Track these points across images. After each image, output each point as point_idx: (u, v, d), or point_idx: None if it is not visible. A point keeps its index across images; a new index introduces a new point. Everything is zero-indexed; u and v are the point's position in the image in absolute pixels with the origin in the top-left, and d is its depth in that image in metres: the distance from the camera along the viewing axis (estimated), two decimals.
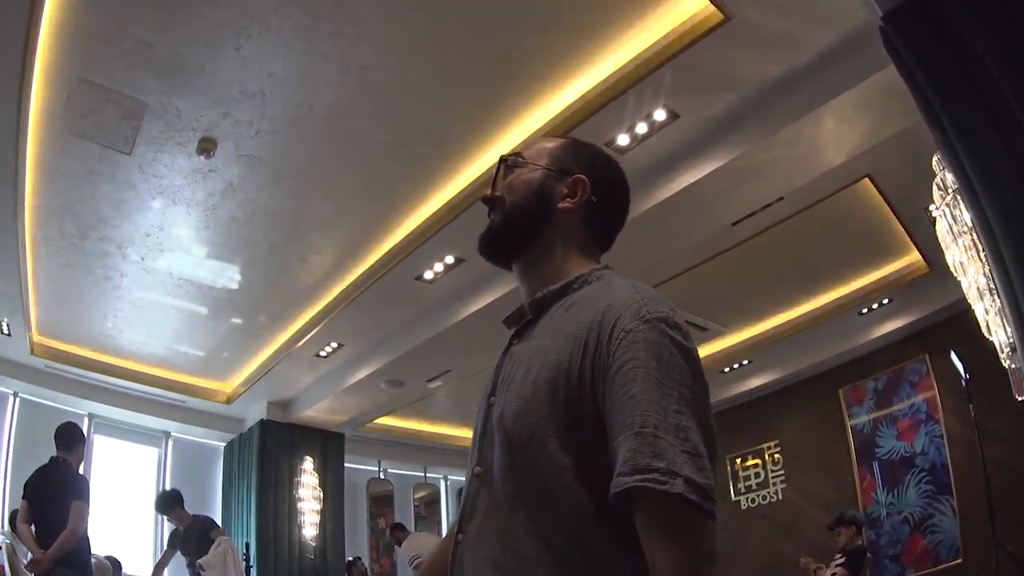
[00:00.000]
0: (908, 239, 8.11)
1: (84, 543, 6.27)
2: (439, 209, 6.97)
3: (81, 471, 6.71)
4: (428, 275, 7.88)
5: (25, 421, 11.22)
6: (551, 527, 1.46)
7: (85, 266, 8.01)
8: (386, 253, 7.67)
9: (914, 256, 8.46)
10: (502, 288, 7.63)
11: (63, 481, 6.29)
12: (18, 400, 11.16)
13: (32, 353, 9.91)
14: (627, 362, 1.42)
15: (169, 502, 8.21)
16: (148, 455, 12.39)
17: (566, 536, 1.44)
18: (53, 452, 6.52)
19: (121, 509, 11.96)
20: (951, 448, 9.26)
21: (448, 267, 7.71)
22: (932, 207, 5.32)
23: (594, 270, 1.75)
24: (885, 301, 9.32)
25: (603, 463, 1.41)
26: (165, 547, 8.02)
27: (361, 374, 9.92)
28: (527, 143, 1.95)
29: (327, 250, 7.76)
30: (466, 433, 13.46)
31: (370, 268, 7.93)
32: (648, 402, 1.37)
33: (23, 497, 6.37)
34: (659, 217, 6.56)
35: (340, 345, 9.54)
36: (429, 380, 10.19)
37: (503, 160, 1.89)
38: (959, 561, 8.93)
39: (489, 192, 1.87)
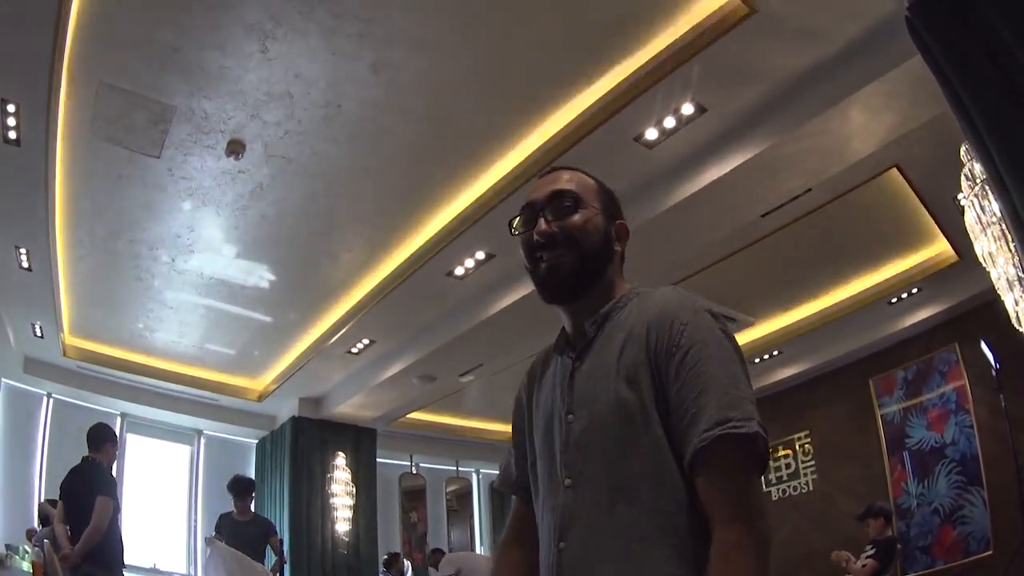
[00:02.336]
0: (937, 228, 8.03)
1: (114, 540, 6.30)
2: (469, 205, 6.97)
3: (114, 470, 6.76)
4: (459, 271, 7.88)
5: (59, 421, 11.35)
6: (657, 516, 1.61)
7: (116, 268, 8.10)
8: (417, 250, 7.67)
9: (943, 245, 8.37)
10: (532, 284, 7.54)
11: (92, 479, 6.36)
12: (51, 401, 11.29)
13: (65, 355, 10.06)
14: (694, 344, 1.66)
15: (247, 487, 8.28)
16: (181, 453, 12.50)
17: (674, 520, 1.60)
18: (86, 452, 6.59)
19: (154, 507, 12.09)
20: (981, 439, 9.14)
21: (479, 263, 7.71)
22: (960, 196, 5.28)
23: (631, 289, 1.93)
24: (915, 290, 9.20)
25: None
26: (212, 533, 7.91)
27: (393, 370, 9.93)
28: (560, 178, 1.96)
29: (357, 247, 7.79)
30: (497, 427, 13.65)
31: (401, 265, 7.94)
32: (719, 372, 1.62)
33: (59, 497, 6.47)
34: (689, 210, 6.57)
35: (372, 341, 9.55)
36: (461, 375, 10.20)
37: (561, 193, 1.91)
38: (989, 553, 8.83)
39: (546, 226, 1.89)
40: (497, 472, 2.22)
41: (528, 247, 1.92)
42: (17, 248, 7.49)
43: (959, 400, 9.54)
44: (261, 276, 8.31)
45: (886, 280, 9.10)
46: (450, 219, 7.22)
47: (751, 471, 1.60)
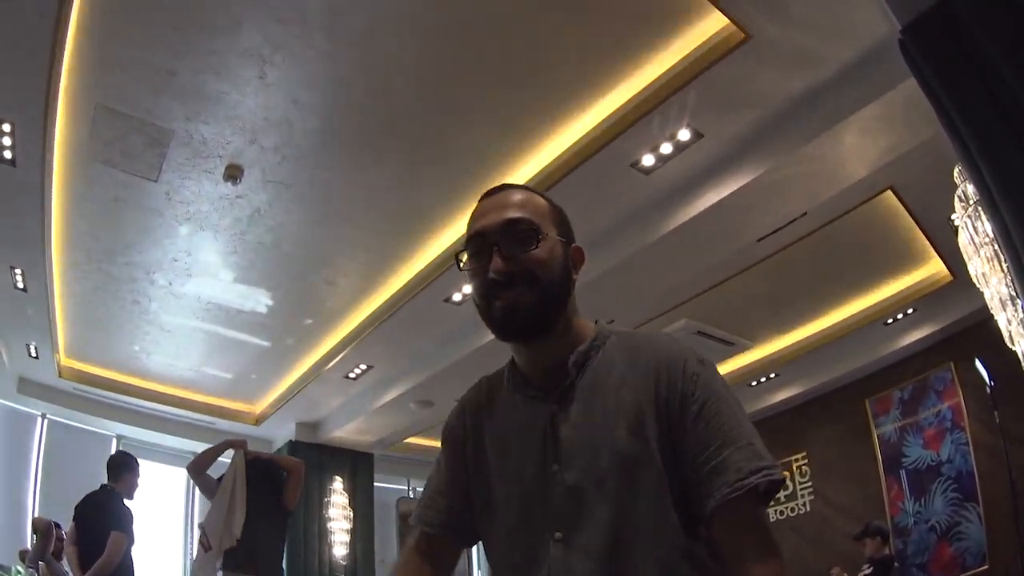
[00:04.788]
0: (931, 249, 8.06)
1: (126, 572, 6.27)
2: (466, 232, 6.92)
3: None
4: (457, 297, 7.87)
5: (53, 443, 11.35)
6: (659, 567, 1.59)
7: (113, 290, 8.10)
8: (415, 276, 7.70)
9: (937, 265, 8.40)
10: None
11: (106, 510, 6.32)
12: (46, 422, 11.28)
13: (60, 376, 10.04)
14: (710, 396, 1.65)
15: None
16: (177, 476, 12.47)
17: (676, 570, 1.60)
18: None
19: (150, 531, 12.04)
20: (976, 455, 9.14)
21: None
22: (954, 217, 5.31)
23: (601, 328, 1.85)
24: (910, 311, 9.20)
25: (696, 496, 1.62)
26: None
27: (391, 395, 9.93)
28: (510, 202, 1.80)
29: (355, 273, 7.80)
30: None
31: (399, 291, 7.96)
32: (738, 424, 1.63)
33: (72, 519, 6.45)
34: (685, 236, 6.58)
35: (369, 367, 9.55)
36: (458, 400, 10.05)
37: (516, 222, 1.74)
38: (985, 568, 8.82)
39: (503, 264, 1.71)
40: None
41: (481, 286, 1.74)
42: (12, 268, 7.46)
43: (955, 418, 9.56)
44: (259, 301, 8.31)
45: (881, 301, 9.12)
46: (448, 245, 7.21)
47: (766, 509, 1.69)
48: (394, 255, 7.52)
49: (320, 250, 7.44)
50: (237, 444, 6.55)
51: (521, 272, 1.69)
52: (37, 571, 6.26)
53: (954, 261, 7.70)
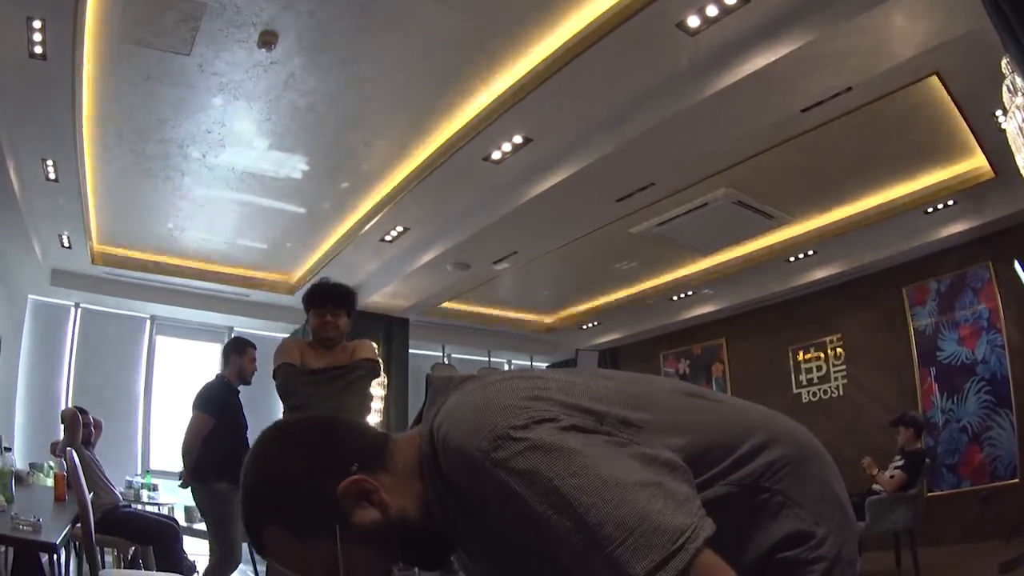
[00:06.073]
0: (974, 142, 7.84)
1: (214, 454, 6.20)
2: (507, 89, 6.74)
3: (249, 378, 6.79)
4: (496, 155, 7.64)
5: (86, 331, 11.45)
6: None
7: (146, 170, 8.08)
8: (452, 135, 7.47)
9: (980, 160, 8.19)
10: (570, 168, 7.50)
11: (197, 395, 6.51)
12: (79, 311, 11.35)
13: (93, 263, 10.19)
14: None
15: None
16: (212, 352, 12.56)
17: None
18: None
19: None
20: (1012, 361, 9.10)
21: (516, 147, 7.47)
22: (999, 113, 5.13)
23: None
24: (950, 202, 9.00)
25: None
26: None
27: (427, 257, 9.85)
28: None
29: (391, 134, 7.61)
30: (530, 317, 13.66)
31: (436, 151, 7.75)
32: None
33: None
34: (728, 100, 6.37)
35: (406, 229, 9.41)
36: (495, 262, 10.07)
37: None
38: (1016, 481, 8.87)
39: None
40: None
41: None
42: (44, 160, 7.48)
43: (991, 319, 9.48)
44: (294, 167, 8.18)
45: (922, 189, 8.90)
46: (487, 103, 6.99)
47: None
48: (431, 114, 7.29)
49: (356, 111, 7.23)
50: None
51: None
52: (65, 461, 6.26)
53: (997, 157, 7.64)
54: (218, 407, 6.36)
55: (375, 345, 6.29)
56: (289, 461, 1.44)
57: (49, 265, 10.32)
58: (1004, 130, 5.10)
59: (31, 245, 9.54)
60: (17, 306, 11.14)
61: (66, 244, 9.59)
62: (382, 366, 6.94)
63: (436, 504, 1.44)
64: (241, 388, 6.70)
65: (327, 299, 5.37)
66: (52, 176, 7.72)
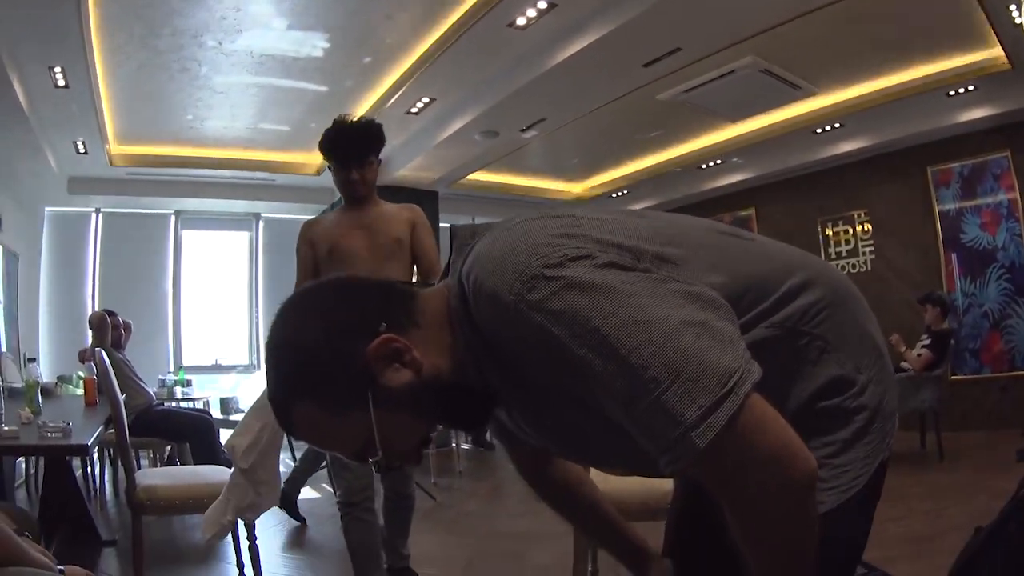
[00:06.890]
0: (992, 32, 7.68)
1: None
2: None
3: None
4: (521, 21, 7.33)
5: (109, 235, 11.41)
6: None
7: (160, 64, 7.86)
8: (476, 2, 7.15)
9: (998, 51, 8.14)
10: (596, 32, 7.19)
11: None
12: (100, 216, 11.30)
13: (111, 164, 10.10)
14: None
15: None
16: (240, 240, 12.50)
17: None
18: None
19: (215, 303, 12.23)
20: None
21: (541, 12, 7.16)
22: (1014, 7, 4.85)
23: None
24: (971, 88, 9.04)
25: None
26: None
27: (454, 127, 9.60)
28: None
29: (414, 5, 7.27)
30: (558, 186, 13.60)
31: (459, 19, 7.43)
32: None
33: None
34: None
35: (432, 100, 9.15)
36: (523, 130, 9.78)
37: None
38: None
39: None
40: None
41: None
42: (51, 68, 7.31)
43: (1011, 207, 9.70)
44: (314, 45, 7.88)
45: (944, 71, 8.90)
46: None
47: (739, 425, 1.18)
48: None
49: None
50: None
51: None
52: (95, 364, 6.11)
53: (1013, 49, 7.83)
54: None
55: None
56: (312, 327, 1.35)
57: (65, 174, 10.24)
58: (1020, 25, 4.89)
59: (44, 157, 9.43)
60: (33, 220, 11.10)
61: (82, 150, 9.47)
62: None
63: (470, 359, 1.38)
64: None
65: (349, 153, 4.28)
66: (61, 83, 7.54)
